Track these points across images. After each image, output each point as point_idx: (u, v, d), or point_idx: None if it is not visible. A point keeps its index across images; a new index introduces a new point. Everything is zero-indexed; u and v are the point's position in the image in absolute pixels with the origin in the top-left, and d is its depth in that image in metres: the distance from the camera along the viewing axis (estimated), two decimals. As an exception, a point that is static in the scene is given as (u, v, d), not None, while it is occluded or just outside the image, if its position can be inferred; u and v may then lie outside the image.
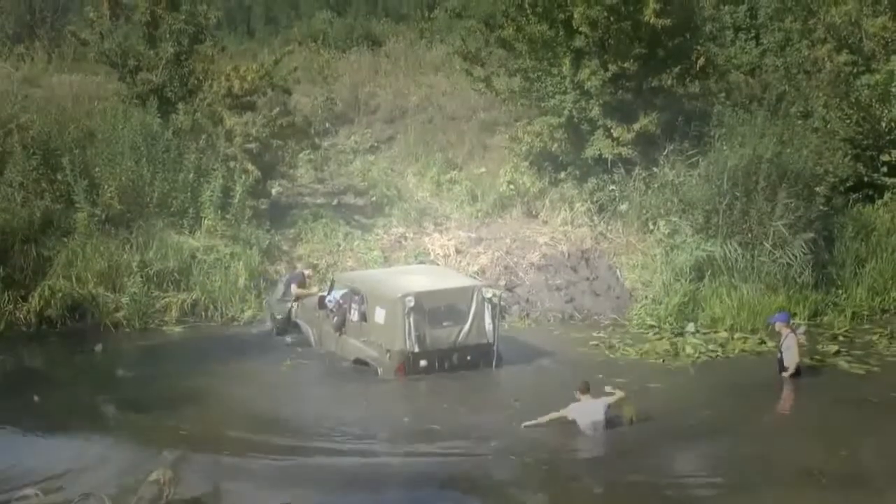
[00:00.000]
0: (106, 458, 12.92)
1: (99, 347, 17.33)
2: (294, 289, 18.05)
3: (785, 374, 15.55)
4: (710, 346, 17.33)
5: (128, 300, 18.47)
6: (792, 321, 16.37)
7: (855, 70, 21.45)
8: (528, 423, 13.53)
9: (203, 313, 18.91)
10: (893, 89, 20.79)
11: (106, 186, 19.67)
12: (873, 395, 15.22)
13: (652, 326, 18.38)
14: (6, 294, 18.21)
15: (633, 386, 15.35)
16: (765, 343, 17.42)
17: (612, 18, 20.19)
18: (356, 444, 13.50)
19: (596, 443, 13.38)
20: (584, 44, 20.55)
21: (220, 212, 19.73)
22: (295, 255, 20.06)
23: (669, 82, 21.34)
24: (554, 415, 13.51)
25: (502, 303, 17.01)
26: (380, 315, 15.74)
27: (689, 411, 14.67)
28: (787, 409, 14.94)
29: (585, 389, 13.61)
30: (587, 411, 13.49)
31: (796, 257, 18.86)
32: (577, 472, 12.65)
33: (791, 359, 15.54)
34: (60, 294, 18.31)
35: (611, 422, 13.55)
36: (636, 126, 20.68)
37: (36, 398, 14.97)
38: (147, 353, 17.51)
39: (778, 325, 16.11)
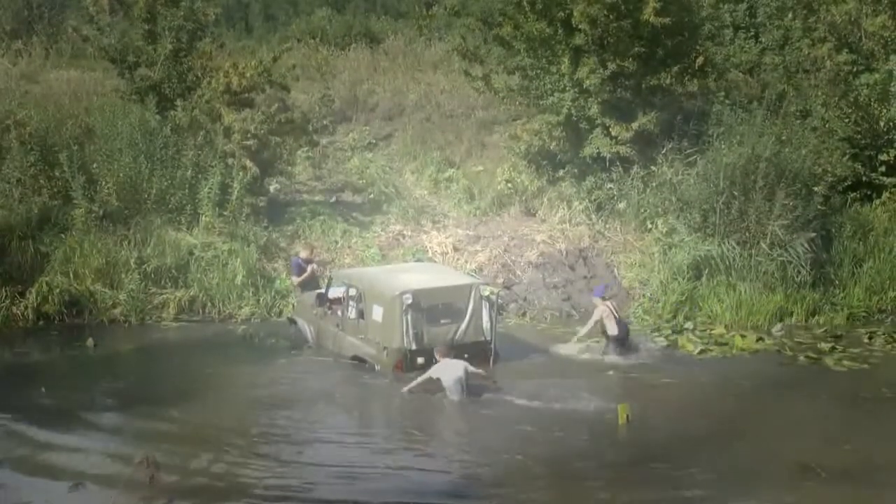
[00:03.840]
0: (95, 449, 12.98)
1: (90, 342, 17.30)
2: (295, 279, 18.11)
3: (575, 338, 16.68)
4: (708, 345, 17.34)
5: (125, 297, 18.48)
6: (606, 293, 17.25)
7: (854, 69, 21.44)
8: (407, 388, 14.61)
9: (200, 310, 18.92)
10: (892, 89, 20.78)
11: (104, 183, 19.66)
12: (868, 392, 15.31)
13: (653, 324, 18.42)
14: (3, 290, 18.21)
15: (630, 384, 15.44)
16: (763, 341, 17.48)
17: (611, 17, 20.17)
18: (352, 441, 13.54)
19: (592, 442, 13.39)
20: (583, 42, 20.53)
21: (217, 209, 19.70)
22: (292, 253, 20.05)
23: (668, 81, 21.30)
24: (422, 378, 14.56)
25: (500, 301, 17.01)
26: (377, 312, 15.73)
27: (687, 409, 14.70)
28: (784, 406, 14.92)
29: (445, 353, 14.78)
30: (449, 369, 14.50)
31: (794, 256, 18.87)
32: (574, 472, 12.63)
33: (589, 327, 16.59)
34: (58, 290, 18.32)
35: (475, 389, 14.61)
36: (635, 125, 20.67)
37: (43, 390, 15.05)
38: (143, 350, 17.52)
39: (595, 300, 16.91)
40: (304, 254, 18.54)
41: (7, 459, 12.70)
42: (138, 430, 13.72)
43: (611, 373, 15.98)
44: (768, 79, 23.34)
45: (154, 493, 11.22)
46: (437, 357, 14.82)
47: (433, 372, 14.64)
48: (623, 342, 16.58)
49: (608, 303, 16.82)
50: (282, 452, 13.03)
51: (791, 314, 18.70)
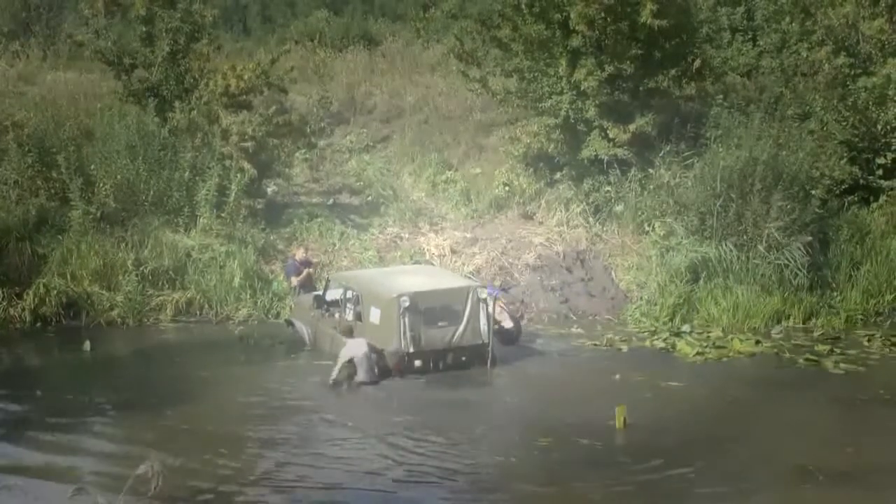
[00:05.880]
0: (93, 452, 12.98)
1: (87, 346, 17.27)
2: (294, 280, 18.12)
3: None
4: (706, 348, 17.35)
5: (122, 298, 18.48)
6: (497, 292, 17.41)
7: (852, 73, 21.45)
8: (333, 378, 15.24)
9: (198, 312, 18.92)
10: (890, 92, 20.78)
11: (101, 184, 19.65)
12: (865, 395, 15.34)
13: (650, 327, 18.43)
14: (1, 292, 18.20)
15: (628, 387, 15.44)
16: (760, 343, 17.50)
17: (608, 19, 20.21)
18: (349, 443, 13.50)
19: (590, 444, 13.38)
20: (580, 44, 20.56)
21: (215, 210, 19.69)
22: (289, 255, 20.04)
23: (666, 83, 21.35)
24: (340, 362, 15.21)
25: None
26: (375, 315, 15.73)
27: (685, 412, 14.69)
28: (782, 408, 14.94)
29: (348, 333, 15.45)
30: (356, 347, 15.22)
31: (791, 259, 18.89)
32: (572, 475, 12.62)
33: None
34: (55, 292, 18.31)
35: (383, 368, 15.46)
36: (632, 127, 20.69)
37: (39, 393, 15.05)
38: (140, 352, 17.51)
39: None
40: (299, 255, 18.58)
41: (4, 462, 12.67)
42: (135, 433, 13.66)
43: (617, 377, 15.97)
44: (766, 82, 23.36)
45: (157, 502, 11.17)
46: (345, 339, 15.37)
47: (345, 352, 15.21)
48: (515, 335, 17.18)
49: (500, 302, 17.21)
50: (279, 455, 13.00)
51: (788, 317, 18.72)
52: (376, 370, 15.35)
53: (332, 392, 15.32)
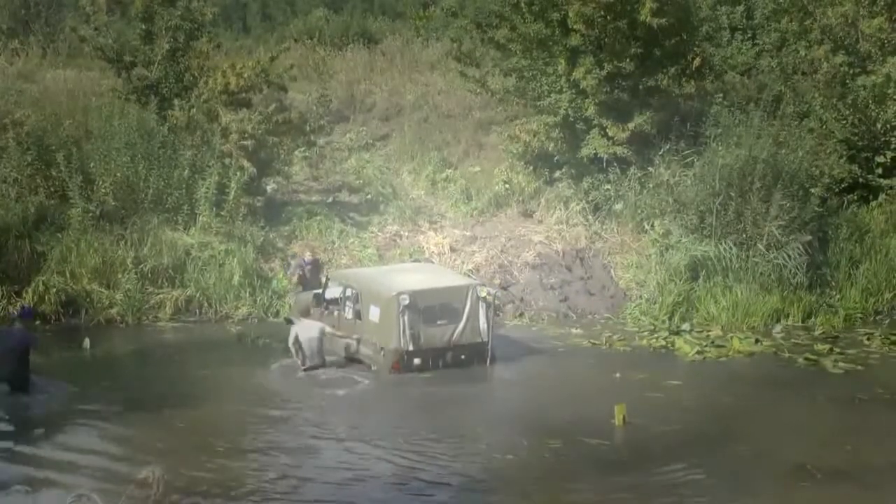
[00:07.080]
0: (91, 453, 12.91)
1: (86, 343, 17.27)
2: (294, 280, 18.16)
3: None
4: (705, 346, 17.35)
5: (122, 297, 18.47)
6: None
7: (851, 71, 21.46)
8: (304, 368, 15.65)
9: (197, 310, 18.91)
10: (890, 91, 20.77)
11: (101, 182, 19.62)
12: (864, 393, 15.34)
13: (650, 326, 18.43)
14: (0, 290, 18.17)
15: (627, 385, 15.45)
16: (760, 343, 17.50)
17: (608, 17, 20.21)
18: (347, 444, 13.48)
19: (589, 443, 13.38)
20: (579, 42, 20.55)
21: (214, 209, 19.68)
22: (289, 254, 20.04)
23: (665, 82, 21.35)
24: (292, 346, 15.67)
25: (497, 301, 17.00)
26: (374, 313, 15.73)
27: (684, 410, 14.71)
28: (780, 407, 14.95)
29: (305, 314, 16.18)
30: (306, 329, 15.70)
31: (790, 258, 18.91)
32: (570, 473, 12.64)
33: None
34: (54, 290, 18.27)
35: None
36: (632, 125, 20.69)
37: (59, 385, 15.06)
38: (139, 351, 17.50)
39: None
40: (308, 255, 18.57)
41: (3, 461, 12.65)
42: (133, 433, 13.62)
43: (617, 375, 15.97)
44: (765, 80, 23.35)
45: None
46: (301, 319, 15.91)
47: (293, 333, 15.61)
48: None
49: None
50: (275, 458, 12.93)
51: (787, 316, 18.73)
52: (321, 351, 15.65)
53: (331, 392, 15.33)
